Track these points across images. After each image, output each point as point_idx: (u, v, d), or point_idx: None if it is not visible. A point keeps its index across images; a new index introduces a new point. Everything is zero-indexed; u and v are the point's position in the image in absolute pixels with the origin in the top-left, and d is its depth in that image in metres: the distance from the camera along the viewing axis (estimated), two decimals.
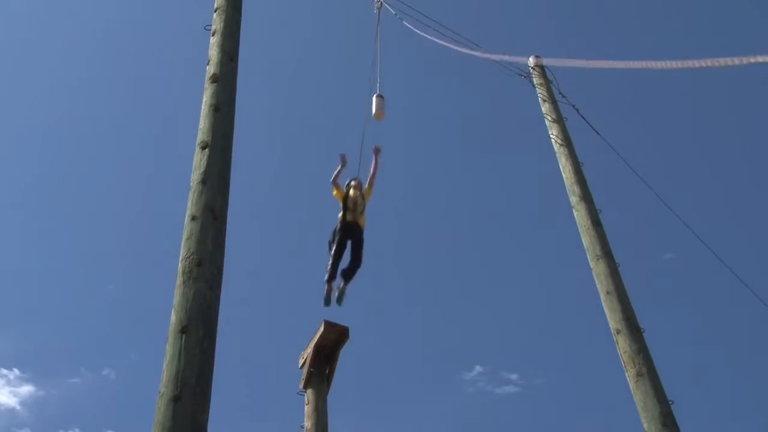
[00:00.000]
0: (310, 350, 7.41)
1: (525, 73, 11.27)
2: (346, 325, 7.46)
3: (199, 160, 4.64)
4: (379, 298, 20.44)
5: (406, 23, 9.58)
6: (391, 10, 9.74)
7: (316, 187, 22.66)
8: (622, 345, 6.64)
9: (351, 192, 8.05)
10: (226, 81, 5.38)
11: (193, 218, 4.21)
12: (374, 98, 9.25)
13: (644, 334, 6.78)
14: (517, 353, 20.66)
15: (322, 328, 7.36)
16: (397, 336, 20.53)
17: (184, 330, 3.62)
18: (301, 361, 7.62)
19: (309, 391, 7.27)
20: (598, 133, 11.01)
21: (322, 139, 23.63)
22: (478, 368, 20.03)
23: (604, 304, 7.16)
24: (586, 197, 8.57)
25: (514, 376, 20.09)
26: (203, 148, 4.70)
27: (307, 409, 7.18)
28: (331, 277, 7.62)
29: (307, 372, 7.32)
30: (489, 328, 20.83)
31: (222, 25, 6.06)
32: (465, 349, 20.39)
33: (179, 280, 3.91)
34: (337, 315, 7.71)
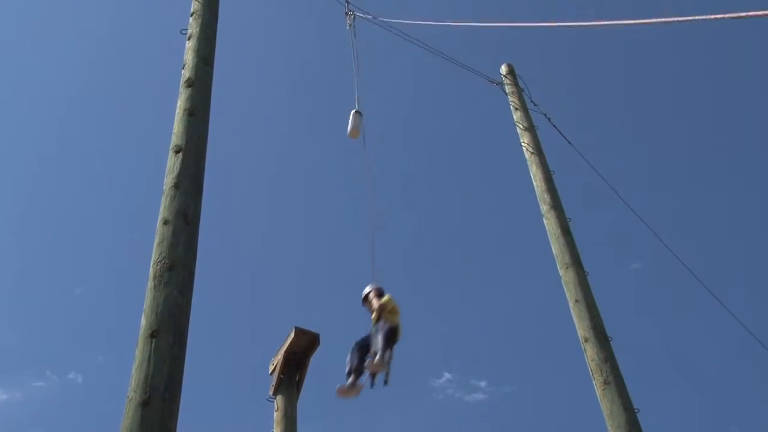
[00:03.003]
0: (280, 356, 7.39)
1: (497, 81, 11.33)
2: (316, 331, 7.46)
3: (172, 164, 4.61)
4: (349, 304, 20.38)
5: (380, 19, 9.57)
6: (364, 16, 9.76)
7: (290, 190, 22.58)
8: (590, 353, 6.72)
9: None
10: (201, 85, 5.36)
11: (166, 222, 4.18)
12: (351, 114, 9.21)
13: (612, 343, 6.88)
14: (487, 360, 20.76)
15: (292, 335, 7.34)
16: None
17: (153, 335, 3.59)
18: (271, 368, 7.59)
19: (278, 397, 7.24)
20: (569, 142, 11.08)
21: (298, 142, 23.55)
22: (446, 375, 20.08)
23: (572, 313, 7.24)
24: (556, 206, 8.66)
25: (483, 384, 20.19)
26: (176, 152, 4.68)
27: (277, 415, 7.15)
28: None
29: (277, 378, 7.30)
30: (458, 335, 20.92)
31: (198, 29, 6.03)
32: (434, 355, 20.44)
33: (150, 284, 3.88)
34: (308, 321, 7.71)
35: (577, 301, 7.25)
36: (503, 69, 11.28)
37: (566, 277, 7.62)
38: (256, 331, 18.79)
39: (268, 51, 23.52)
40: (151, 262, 4.00)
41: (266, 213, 22.33)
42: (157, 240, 4.12)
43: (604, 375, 6.46)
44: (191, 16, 6.31)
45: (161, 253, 4.01)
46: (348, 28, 9.91)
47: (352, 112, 9.65)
